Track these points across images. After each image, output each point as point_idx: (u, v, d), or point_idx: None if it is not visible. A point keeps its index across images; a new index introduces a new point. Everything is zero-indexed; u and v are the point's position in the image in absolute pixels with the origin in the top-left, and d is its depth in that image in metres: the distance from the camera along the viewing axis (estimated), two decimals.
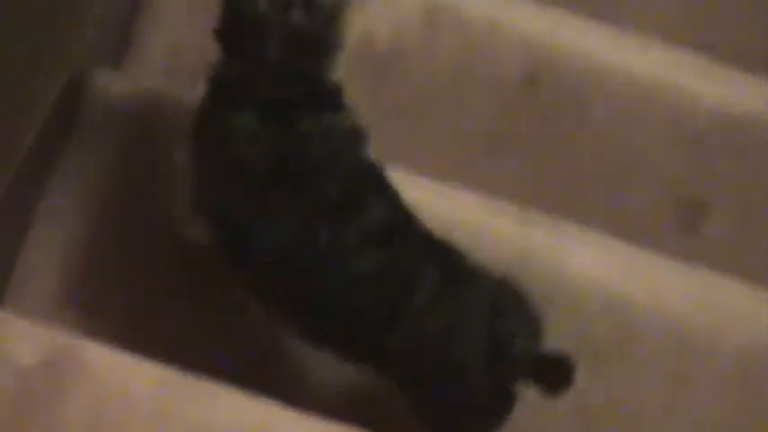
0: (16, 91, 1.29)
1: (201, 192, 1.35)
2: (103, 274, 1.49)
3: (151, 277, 1.49)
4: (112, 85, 1.56)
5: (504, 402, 1.30)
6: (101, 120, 1.53)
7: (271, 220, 1.29)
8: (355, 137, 1.34)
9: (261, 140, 1.29)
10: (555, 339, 1.36)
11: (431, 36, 1.73)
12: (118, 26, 1.67)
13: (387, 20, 1.72)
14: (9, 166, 1.34)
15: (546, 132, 1.74)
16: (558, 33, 1.78)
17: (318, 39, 1.32)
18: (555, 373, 1.29)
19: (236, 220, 1.30)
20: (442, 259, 1.31)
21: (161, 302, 1.49)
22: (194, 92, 1.37)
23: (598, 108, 1.75)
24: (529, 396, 1.32)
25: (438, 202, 1.51)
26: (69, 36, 1.43)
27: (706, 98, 1.77)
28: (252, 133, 1.29)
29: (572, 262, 1.54)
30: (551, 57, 1.76)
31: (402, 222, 1.32)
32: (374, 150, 1.35)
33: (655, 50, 1.81)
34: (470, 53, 1.75)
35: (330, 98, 1.34)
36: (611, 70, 1.77)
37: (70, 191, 1.51)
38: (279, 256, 1.29)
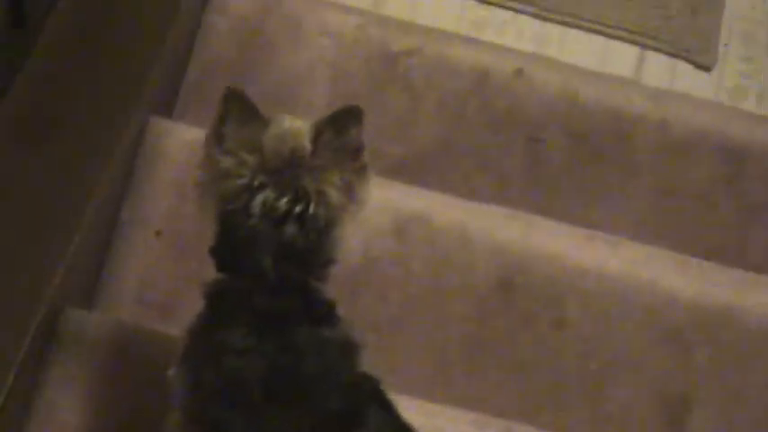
0: None
1: (195, 406, 1.32)
2: None
3: None
4: (84, 323, 1.58)
5: None
6: (74, 360, 1.55)
7: None
8: (350, 350, 1.33)
9: (255, 355, 1.29)
10: None
11: (403, 249, 1.77)
12: (89, 264, 1.70)
13: (358, 234, 1.75)
14: None
15: (524, 337, 1.76)
16: (530, 237, 1.81)
17: (312, 252, 1.33)
18: None
19: None
20: None
21: None
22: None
23: (574, 310, 1.77)
24: None
25: (420, 419, 1.51)
26: (41, 278, 1.46)
27: (681, 293, 1.80)
28: (246, 347, 1.29)
29: None
30: (524, 261, 1.79)
31: None
32: None
33: (626, 248, 1.85)
34: (443, 263, 1.77)
35: (324, 311, 1.34)
36: (584, 271, 1.79)
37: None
38: None
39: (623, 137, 2.00)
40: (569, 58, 2.13)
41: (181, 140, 1.82)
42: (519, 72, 2.00)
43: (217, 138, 1.36)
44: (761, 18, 2.21)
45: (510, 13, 2.18)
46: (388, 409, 1.32)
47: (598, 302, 1.78)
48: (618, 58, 2.17)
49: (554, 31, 2.17)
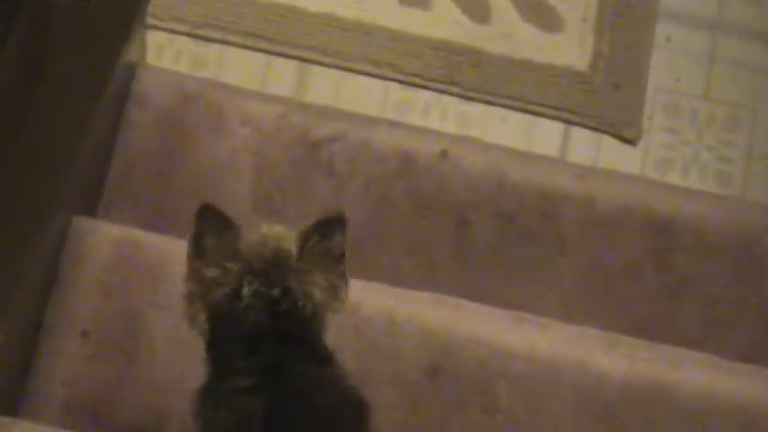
0: None
1: None
2: None
3: None
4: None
5: None
6: None
7: None
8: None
9: (264, 393, 1.40)
10: None
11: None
12: (14, 367, 1.73)
13: None
14: None
15: (455, 423, 1.80)
16: (458, 321, 1.86)
17: (305, 335, 1.46)
18: None
19: None
20: None
21: None
22: None
23: (504, 393, 1.82)
24: None
25: None
26: None
27: (612, 372, 1.85)
28: (254, 386, 1.41)
29: None
30: (453, 346, 1.84)
31: None
32: None
33: (555, 330, 1.90)
34: (371, 351, 1.81)
35: (327, 355, 1.48)
36: (514, 354, 1.84)
37: None
38: None
39: (550, 215, 2.06)
40: (494, 138, 2.19)
41: (105, 239, 1.86)
42: (444, 154, 2.06)
43: (197, 252, 1.47)
44: (684, 90, 2.29)
45: (433, 94, 2.24)
46: None
47: (529, 385, 1.83)
48: (543, 135, 2.24)
49: (478, 110, 2.23)
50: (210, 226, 1.47)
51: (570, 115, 2.24)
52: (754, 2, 2.33)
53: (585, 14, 2.30)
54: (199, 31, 2.23)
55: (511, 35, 2.28)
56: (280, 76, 2.23)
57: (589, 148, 2.24)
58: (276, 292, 1.44)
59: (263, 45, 2.24)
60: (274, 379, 1.41)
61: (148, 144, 2.05)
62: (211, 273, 1.45)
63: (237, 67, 2.22)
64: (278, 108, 2.08)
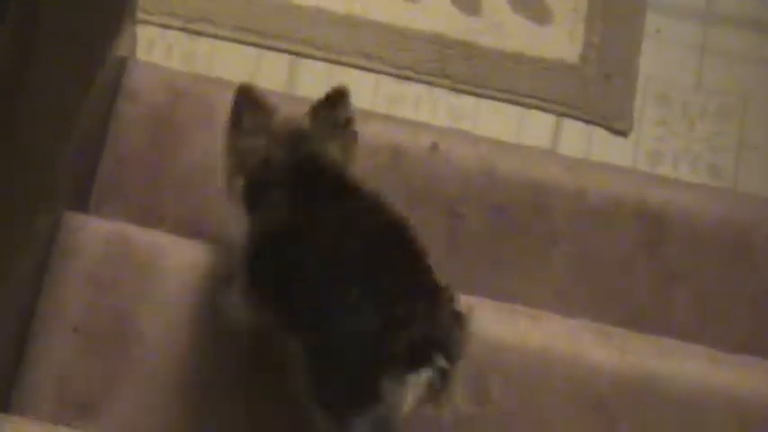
0: None
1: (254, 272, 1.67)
2: None
3: None
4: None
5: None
6: None
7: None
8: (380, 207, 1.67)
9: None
10: None
11: None
12: (4, 362, 1.74)
13: None
14: None
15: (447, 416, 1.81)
16: None
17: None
18: None
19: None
20: None
21: None
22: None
23: (497, 386, 1.82)
24: None
25: None
26: None
27: (604, 364, 1.86)
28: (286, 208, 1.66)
29: None
30: None
31: None
32: None
33: (548, 321, 1.91)
34: None
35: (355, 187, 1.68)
36: (507, 346, 1.85)
37: None
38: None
39: (541, 208, 2.07)
40: (485, 131, 2.20)
41: (96, 234, 1.87)
42: (435, 147, 2.07)
43: (235, 124, 1.71)
44: (674, 81, 2.30)
45: (425, 87, 2.25)
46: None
47: (521, 377, 1.84)
48: (534, 127, 2.25)
49: (469, 103, 2.24)
50: (246, 104, 1.71)
51: (561, 107, 2.25)
52: None
53: (576, 6, 2.31)
54: (190, 26, 2.24)
55: (501, 27, 2.28)
56: (271, 70, 2.24)
57: (580, 140, 2.24)
58: (301, 156, 1.68)
59: (254, 39, 2.24)
60: (309, 223, 1.63)
61: (139, 139, 2.05)
62: (245, 143, 1.70)
63: (229, 62, 2.23)
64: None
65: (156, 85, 2.08)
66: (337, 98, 1.73)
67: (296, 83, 2.24)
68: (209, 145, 2.03)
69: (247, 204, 1.69)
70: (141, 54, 2.16)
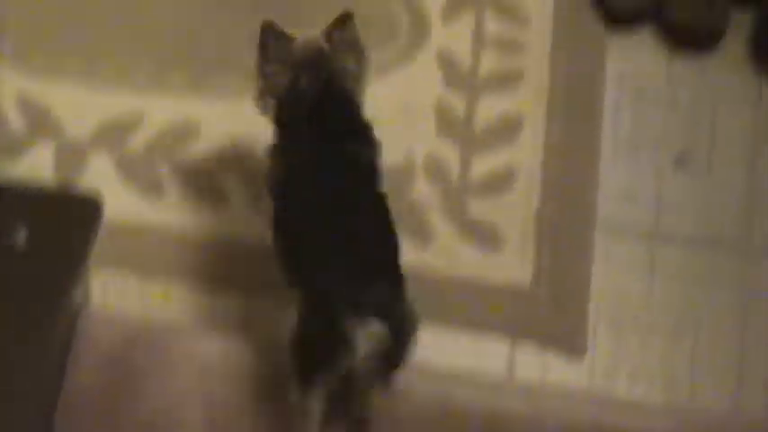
0: None
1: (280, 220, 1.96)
2: None
3: None
4: None
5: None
6: None
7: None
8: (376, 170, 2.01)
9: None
10: None
11: None
12: None
13: None
14: None
15: None
16: None
17: (350, 107, 2.03)
18: None
19: None
20: None
21: None
22: None
23: None
24: None
25: None
26: None
27: None
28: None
29: None
30: None
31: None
32: None
33: None
34: None
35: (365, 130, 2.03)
36: None
37: None
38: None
39: None
40: (440, 360, 2.21)
41: None
42: None
43: (263, 56, 2.00)
44: (626, 300, 2.34)
45: None
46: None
47: None
48: (489, 353, 2.27)
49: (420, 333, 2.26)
50: (271, 35, 2.00)
51: (515, 332, 2.28)
52: (688, 210, 2.40)
53: (524, 230, 2.36)
54: (143, 270, 2.27)
55: (451, 256, 2.33)
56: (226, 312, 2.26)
57: (535, 364, 2.27)
58: (324, 74, 2.00)
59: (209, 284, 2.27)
60: (326, 145, 1.96)
61: (95, 383, 2.07)
62: (273, 69, 2.00)
63: (183, 305, 2.25)
64: (221, 344, 2.11)
65: (110, 331, 2.11)
66: (346, 20, 2.02)
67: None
68: (165, 390, 2.06)
69: (279, 126, 2.01)
70: (96, 299, 2.18)
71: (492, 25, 2.48)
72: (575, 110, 2.44)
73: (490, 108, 2.43)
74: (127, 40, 2.40)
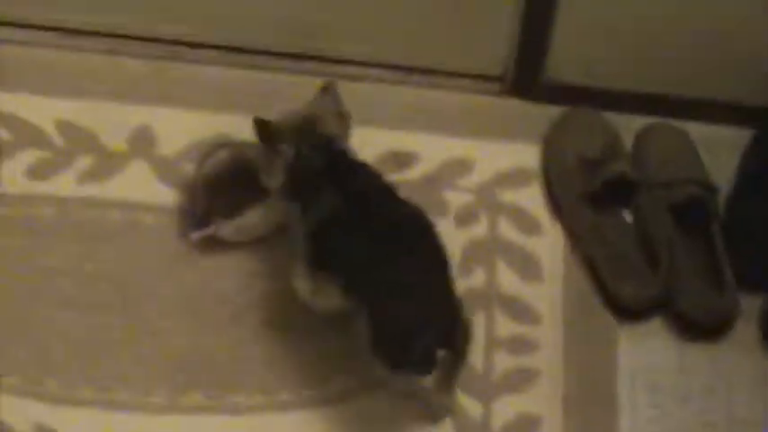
0: None
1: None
2: None
3: None
4: None
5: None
6: None
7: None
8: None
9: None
10: None
11: None
12: None
13: None
14: None
15: None
16: None
17: (350, 161, 2.32)
18: None
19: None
20: None
21: None
22: None
23: None
24: None
25: None
26: None
27: None
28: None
29: None
30: None
31: None
32: None
33: None
34: None
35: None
36: None
37: None
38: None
39: None
40: None
41: None
42: None
43: (264, 138, 2.26)
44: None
45: None
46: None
47: None
48: None
49: None
50: (263, 126, 2.24)
51: None
52: None
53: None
54: None
55: None
56: None
57: None
58: (323, 141, 2.27)
59: None
60: (346, 193, 2.22)
61: None
62: (279, 148, 2.25)
63: None
64: None
65: None
66: (328, 87, 2.32)
67: None
68: None
69: (291, 196, 2.27)
70: None
71: (503, 326, 2.50)
72: (591, 406, 2.44)
73: (506, 410, 2.42)
74: (141, 366, 2.41)
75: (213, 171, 2.50)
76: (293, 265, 2.30)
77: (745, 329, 2.52)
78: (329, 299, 2.27)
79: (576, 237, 2.59)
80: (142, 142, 2.67)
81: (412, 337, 2.14)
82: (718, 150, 2.68)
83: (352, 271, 2.19)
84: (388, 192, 2.27)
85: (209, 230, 2.47)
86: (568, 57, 2.69)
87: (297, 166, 2.24)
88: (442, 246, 2.23)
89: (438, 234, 2.23)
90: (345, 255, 2.20)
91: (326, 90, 2.33)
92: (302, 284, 2.30)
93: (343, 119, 2.33)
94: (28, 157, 2.65)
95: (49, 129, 2.68)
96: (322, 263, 2.25)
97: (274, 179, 2.28)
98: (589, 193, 2.57)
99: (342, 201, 2.21)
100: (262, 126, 2.24)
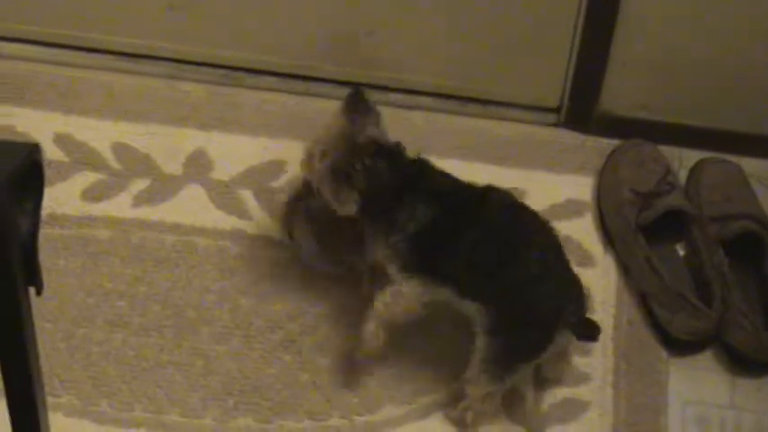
0: None
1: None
2: None
3: None
4: None
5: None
6: None
7: None
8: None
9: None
10: None
11: None
12: None
13: None
14: None
15: None
16: None
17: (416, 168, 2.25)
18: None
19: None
20: None
21: None
22: None
23: None
24: None
25: None
26: None
27: None
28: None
29: None
30: None
31: None
32: None
33: None
34: None
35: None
36: None
37: None
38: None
39: None
40: None
41: None
42: None
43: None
44: None
45: None
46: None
47: None
48: None
49: None
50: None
51: None
52: None
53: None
54: None
55: None
56: None
57: None
58: (394, 147, 2.21)
59: None
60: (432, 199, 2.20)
61: None
62: (343, 160, 2.17)
63: None
64: None
65: None
66: (357, 93, 2.23)
67: None
68: None
69: (370, 212, 2.20)
70: None
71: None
72: None
73: None
74: (192, 389, 2.44)
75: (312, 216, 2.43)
76: (393, 276, 2.26)
77: None
78: (433, 305, 2.27)
79: (628, 269, 2.61)
80: (198, 166, 2.72)
81: (561, 312, 2.22)
82: None
83: (470, 273, 2.20)
84: (467, 184, 2.26)
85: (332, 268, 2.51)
86: (623, 90, 2.72)
87: (373, 182, 2.17)
88: (545, 222, 2.29)
89: (535, 212, 2.29)
90: (454, 258, 2.19)
91: (355, 95, 2.23)
92: (411, 294, 2.24)
93: (378, 117, 2.24)
94: (84, 178, 2.70)
95: (106, 151, 2.73)
96: (429, 269, 2.21)
97: (347, 205, 2.18)
98: (643, 226, 2.58)
99: (437, 202, 2.19)
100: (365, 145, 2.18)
